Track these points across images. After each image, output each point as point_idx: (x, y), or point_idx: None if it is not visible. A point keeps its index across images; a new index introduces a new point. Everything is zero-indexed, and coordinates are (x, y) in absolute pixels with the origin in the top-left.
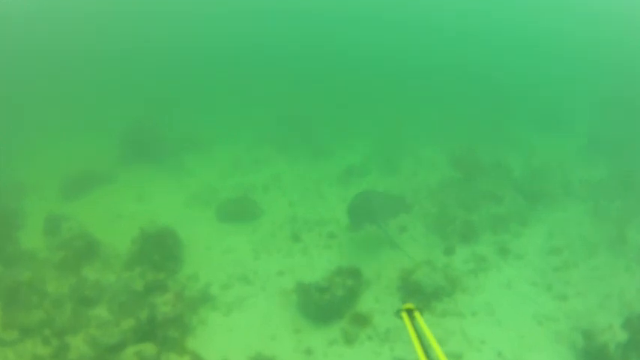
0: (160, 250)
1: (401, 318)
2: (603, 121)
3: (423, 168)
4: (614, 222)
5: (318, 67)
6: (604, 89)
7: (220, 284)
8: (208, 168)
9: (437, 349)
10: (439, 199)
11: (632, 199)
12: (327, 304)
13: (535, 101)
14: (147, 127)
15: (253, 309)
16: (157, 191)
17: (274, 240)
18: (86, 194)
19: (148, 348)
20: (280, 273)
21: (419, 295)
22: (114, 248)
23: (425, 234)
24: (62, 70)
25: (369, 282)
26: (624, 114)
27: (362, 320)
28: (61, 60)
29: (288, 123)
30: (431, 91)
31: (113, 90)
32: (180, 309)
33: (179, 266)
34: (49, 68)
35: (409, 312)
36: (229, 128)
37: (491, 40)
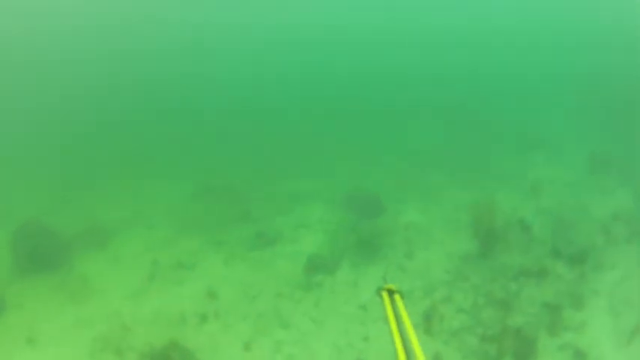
0: None
1: (381, 297)
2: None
3: (416, 243)
4: None
5: (245, 117)
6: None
7: None
8: (114, 281)
9: (411, 334)
10: (462, 297)
11: None
12: None
13: (515, 122)
14: (37, 222)
15: None
16: (53, 328)
17: None
18: None
19: None
20: None
21: None
22: None
23: None
24: None
25: None
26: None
27: None
28: None
29: (213, 194)
30: (394, 125)
31: None
32: None
33: None
34: None
35: (390, 292)
36: (136, 208)
37: (464, 54)
